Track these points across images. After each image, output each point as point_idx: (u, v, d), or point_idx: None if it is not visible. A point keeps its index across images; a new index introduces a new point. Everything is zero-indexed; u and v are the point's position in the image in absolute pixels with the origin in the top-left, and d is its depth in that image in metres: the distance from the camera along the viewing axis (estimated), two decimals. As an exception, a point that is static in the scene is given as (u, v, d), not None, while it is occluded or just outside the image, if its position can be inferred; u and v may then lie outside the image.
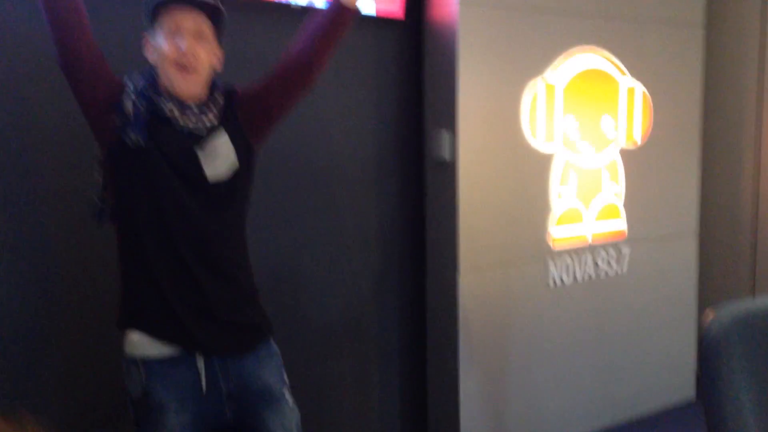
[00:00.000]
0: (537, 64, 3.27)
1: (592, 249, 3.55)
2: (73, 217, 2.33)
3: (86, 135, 1.90)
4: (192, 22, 1.86)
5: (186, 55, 1.84)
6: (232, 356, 1.94)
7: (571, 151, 3.40)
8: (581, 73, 3.40)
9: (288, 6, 2.72)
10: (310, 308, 3.03)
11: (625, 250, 3.67)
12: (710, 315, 1.49)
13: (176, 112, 1.87)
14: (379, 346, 3.26)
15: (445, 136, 3.08)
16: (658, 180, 3.78)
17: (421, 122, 3.23)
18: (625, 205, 3.65)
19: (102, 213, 1.94)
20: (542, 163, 3.33)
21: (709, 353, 1.44)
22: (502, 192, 3.23)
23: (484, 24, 3.09)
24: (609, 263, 3.62)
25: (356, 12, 2.02)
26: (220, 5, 1.91)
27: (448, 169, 3.10)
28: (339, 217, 3.08)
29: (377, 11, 2.92)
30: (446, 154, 3.08)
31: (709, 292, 4.08)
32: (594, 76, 3.46)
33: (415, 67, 3.21)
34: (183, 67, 1.85)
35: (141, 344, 1.89)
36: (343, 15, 1.99)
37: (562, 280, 3.45)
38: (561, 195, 3.39)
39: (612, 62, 3.51)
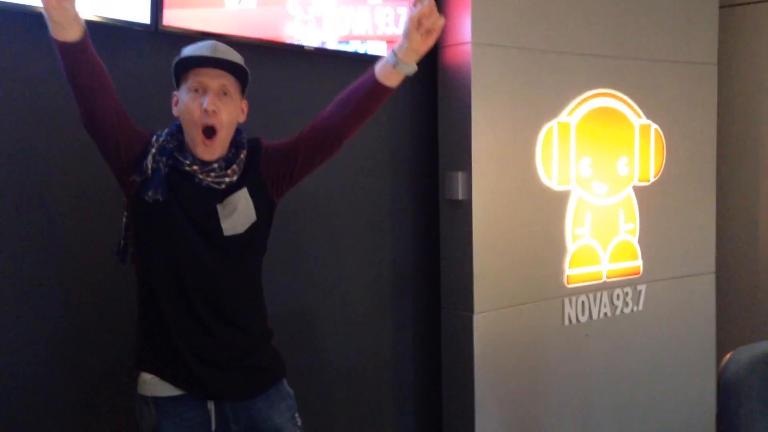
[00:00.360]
0: (550, 105, 3.28)
1: (608, 287, 3.52)
2: (98, 258, 2.34)
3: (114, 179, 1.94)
4: (216, 81, 1.86)
5: (208, 113, 1.84)
6: (242, 398, 1.95)
7: (586, 190, 3.39)
8: (595, 112, 3.40)
9: (301, 48, 2.75)
10: (324, 348, 3.01)
11: (641, 288, 3.64)
12: (728, 355, 1.48)
13: (196, 168, 1.88)
14: (393, 385, 3.23)
15: (459, 176, 3.09)
16: (674, 218, 3.76)
17: (435, 162, 3.24)
18: (641, 243, 3.62)
19: (125, 252, 1.98)
20: (557, 202, 3.32)
21: (727, 393, 1.43)
22: (516, 231, 3.22)
23: (497, 65, 3.11)
24: (625, 301, 3.59)
25: (393, 89, 1.96)
26: (244, 65, 1.92)
27: (463, 209, 3.10)
28: (354, 257, 3.07)
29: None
30: (460, 194, 3.09)
31: (727, 332, 4.02)
32: (607, 114, 3.46)
33: (429, 107, 3.23)
34: (207, 131, 1.85)
35: (153, 384, 1.91)
36: (378, 91, 1.95)
37: (577, 318, 3.42)
38: (576, 233, 3.38)
39: (625, 102, 3.52)
